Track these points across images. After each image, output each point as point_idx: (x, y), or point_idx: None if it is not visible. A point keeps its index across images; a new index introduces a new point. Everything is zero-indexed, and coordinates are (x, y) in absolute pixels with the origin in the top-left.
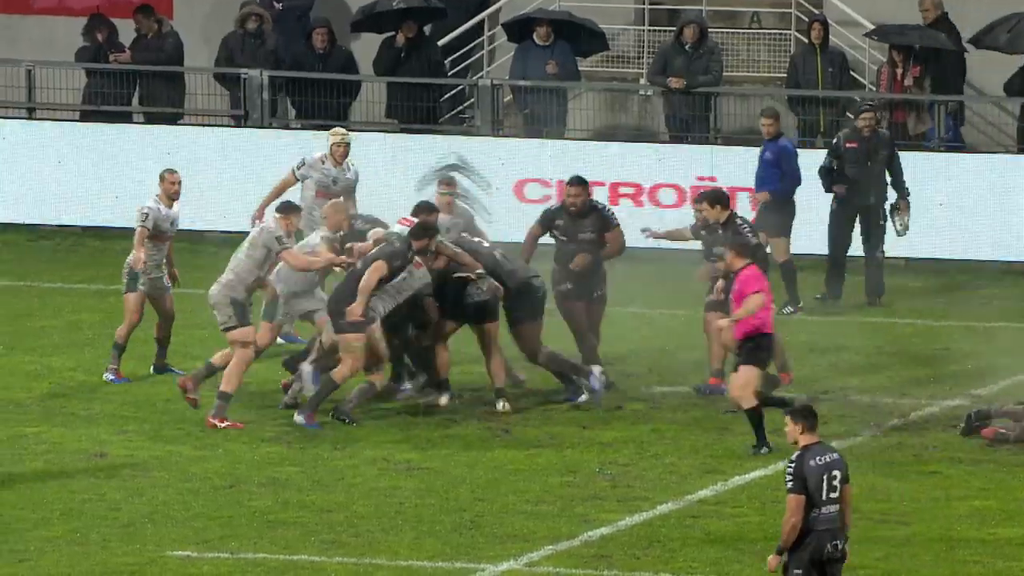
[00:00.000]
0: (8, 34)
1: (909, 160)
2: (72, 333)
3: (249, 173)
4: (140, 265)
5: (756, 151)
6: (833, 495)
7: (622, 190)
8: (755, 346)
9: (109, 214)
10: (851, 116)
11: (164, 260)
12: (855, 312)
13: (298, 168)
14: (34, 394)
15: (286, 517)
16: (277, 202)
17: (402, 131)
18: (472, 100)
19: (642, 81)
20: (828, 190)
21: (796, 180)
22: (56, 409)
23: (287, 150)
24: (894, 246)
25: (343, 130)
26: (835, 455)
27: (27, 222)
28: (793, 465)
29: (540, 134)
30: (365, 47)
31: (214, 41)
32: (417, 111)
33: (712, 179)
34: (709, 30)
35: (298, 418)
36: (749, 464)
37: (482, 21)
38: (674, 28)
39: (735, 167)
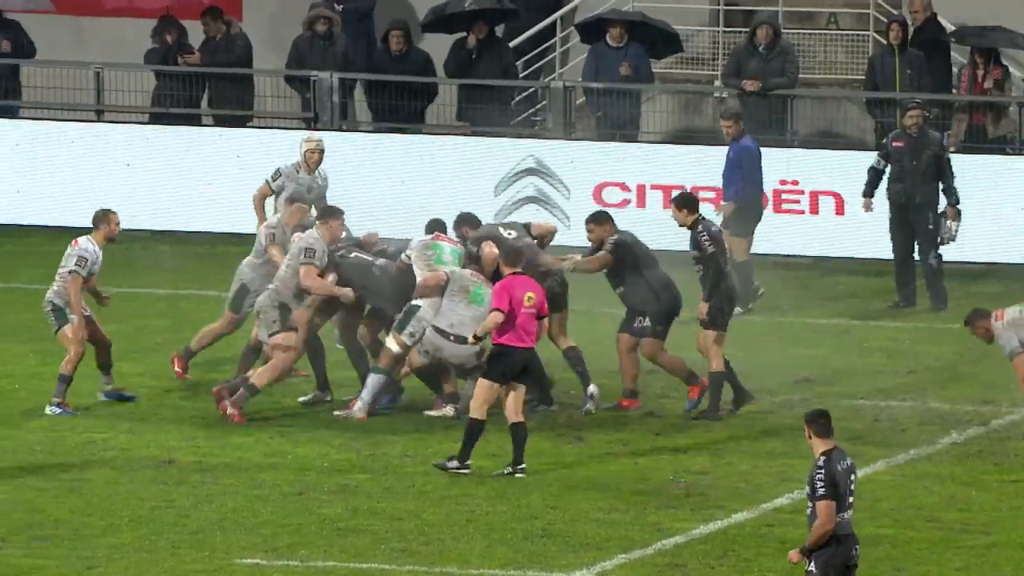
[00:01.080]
0: (78, 36)
1: (988, 163)
2: (140, 338)
3: None
4: (77, 312)
5: (837, 154)
6: (852, 500)
7: (702, 194)
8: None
9: (178, 218)
10: (931, 118)
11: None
12: (933, 318)
13: (273, 179)
14: (102, 399)
15: (356, 524)
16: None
17: (473, 134)
18: (544, 102)
19: (716, 83)
20: (865, 193)
21: (757, 182)
22: (124, 415)
23: (358, 153)
24: (974, 251)
25: (317, 136)
26: (851, 461)
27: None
28: (823, 470)
29: (613, 137)
30: (435, 49)
31: (282, 43)
32: (489, 114)
33: (794, 182)
34: (785, 31)
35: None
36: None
37: (555, 22)
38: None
39: (814, 170)
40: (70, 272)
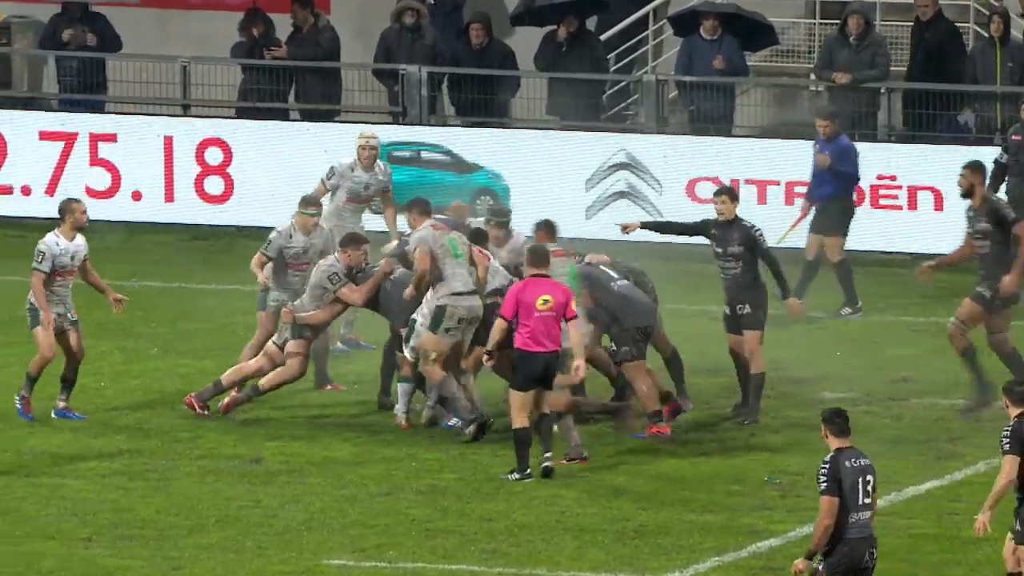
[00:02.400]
0: (164, 29)
1: None
2: (225, 336)
3: (411, 172)
4: (44, 309)
5: (936, 148)
6: (867, 500)
7: (798, 189)
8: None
9: (265, 214)
10: None
11: (69, 296)
12: None
13: (328, 178)
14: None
15: (445, 525)
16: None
17: (563, 128)
18: (636, 96)
19: (812, 76)
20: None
21: (854, 181)
22: (211, 414)
23: (446, 147)
24: None
25: (371, 132)
26: (867, 460)
27: (181, 222)
28: (827, 466)
29: (706, 131)
30: (524, 42)
31: (369, 36)
32: (579, 108)
33: (891, 177)
34: (883, 23)
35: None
36: (923, 474)
37: (647, 15)
38: None
39: (915, 164)
40: (33, 269)
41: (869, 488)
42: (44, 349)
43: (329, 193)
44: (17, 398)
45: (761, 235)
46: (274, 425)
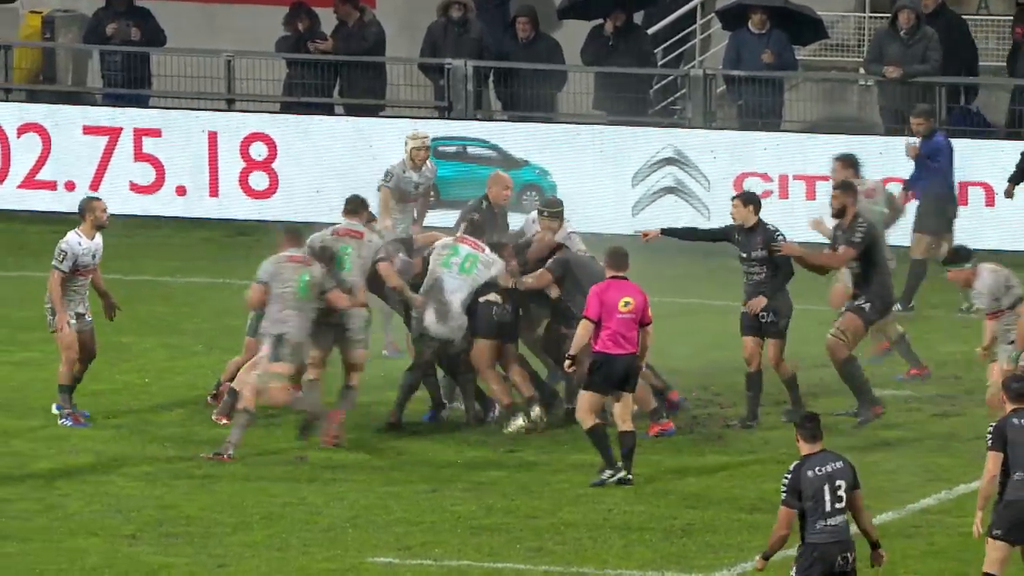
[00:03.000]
0: (209, 23)
1: None
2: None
3: (458, 169)
4: (60, 310)
5: (988, 143)
6: (839, 505)
7: None
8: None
9: (311, 209)
10: None
11: (87, 295)
12: None
13: (387, 180)
14: (53, 411)
15: (491, 523)
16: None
17: (610, 123)
18: (684, 91)
19: (862, 71)
20: (1011, 179)
21: (949, 179)
22: (256, 411)
23: (492, 143)
24: None
25: (424, 133)
26: (839, 463)
27: (226, 217)
28: (789, 476)
29: (755, 126)
30: (570, 36)
31: (414, 30)
32: (626, 102)
33: None
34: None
35: None
36: (974, 472)
37: (695, 8)
38: None
39: (964, 160)
40: (52, 268)
41: (840, 492)
42: (70, 350)
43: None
44: (62, 418)
45: (783, 239)
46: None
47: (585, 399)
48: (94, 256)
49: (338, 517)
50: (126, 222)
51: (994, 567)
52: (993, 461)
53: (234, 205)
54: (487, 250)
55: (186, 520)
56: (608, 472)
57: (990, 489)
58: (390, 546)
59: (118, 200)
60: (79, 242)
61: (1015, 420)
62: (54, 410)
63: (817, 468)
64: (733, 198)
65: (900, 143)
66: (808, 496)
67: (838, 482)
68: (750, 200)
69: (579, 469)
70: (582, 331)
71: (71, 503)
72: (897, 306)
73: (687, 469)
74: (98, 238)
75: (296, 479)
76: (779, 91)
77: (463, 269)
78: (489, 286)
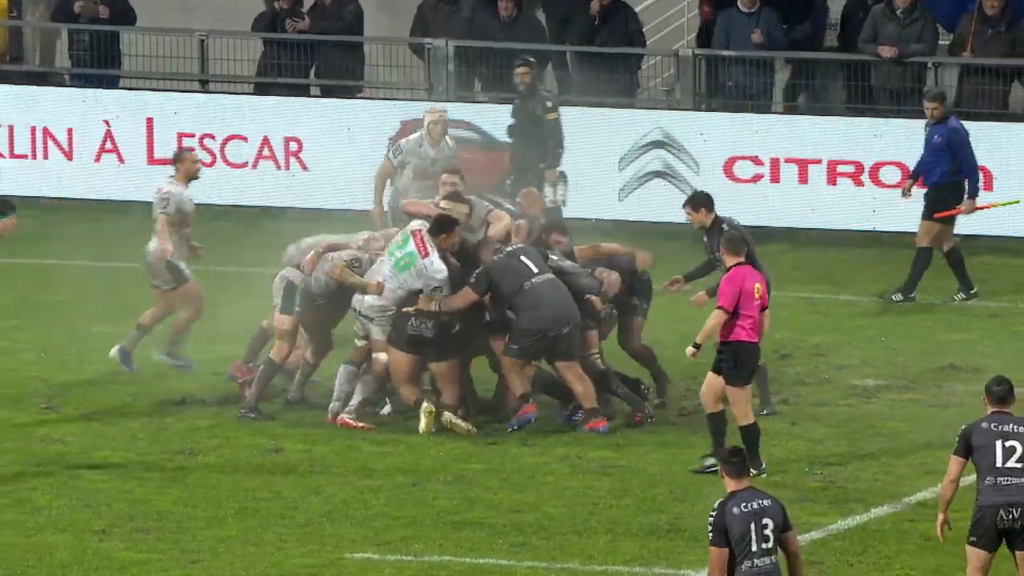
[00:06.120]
0: (183, 2)
1: None
2: (246, 321)
3: None
4: (169, 254)
5: (987, 125)
6: (767, 545)
7: (840, 168)
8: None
9: (286, 194)
10: None
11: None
12: None
13: (395, 155)
14: (205, 384)
15: (473, 517)
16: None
17: (596, 105)
18: (672, 71)
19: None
20: None
21: (970, 164)
22: (229, 401)
23: (475, 124)
24: None
25: (441, 107)
26: (767, 501)
27: (201, 202)
28: (714, 515)
29: (746, 108)
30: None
31: (393, 8)
32: (614, 83)
33: None
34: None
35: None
36: (971, 466)
37: None
38: None
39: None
40: (160, 213)
41: (767, 532)
42: (200, 299)
43: (397, 173)
44: (179, 366)
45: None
46: (295, 412)
47: (737, 395)
48: (186, 204)
49: (315, 511)
50: (95, 206)
51: (976, 575)
52: (954, 466)
53: (204, 190)
54: (434, 258)
55: (158, 515)
56: (713, 461)
57: (949, 492)
58: (369, 541)
59: (85, 182)
60: (180, 191)
61: (984, 424)
62: (166, 359)
63: (743, 505)
64: (683, 205)
65: (907, 125)
66: (735, 535)
67: (765, 520)
68: (699, 203)
69: (564, 462)
70: (714, 321)
71: (39, 497)
72: (898, 295)
73: (675, 460)
74: (189, 190)
75: (272, 472)
76: (770, 72)
77: (398, 265)
78: (415, 297)
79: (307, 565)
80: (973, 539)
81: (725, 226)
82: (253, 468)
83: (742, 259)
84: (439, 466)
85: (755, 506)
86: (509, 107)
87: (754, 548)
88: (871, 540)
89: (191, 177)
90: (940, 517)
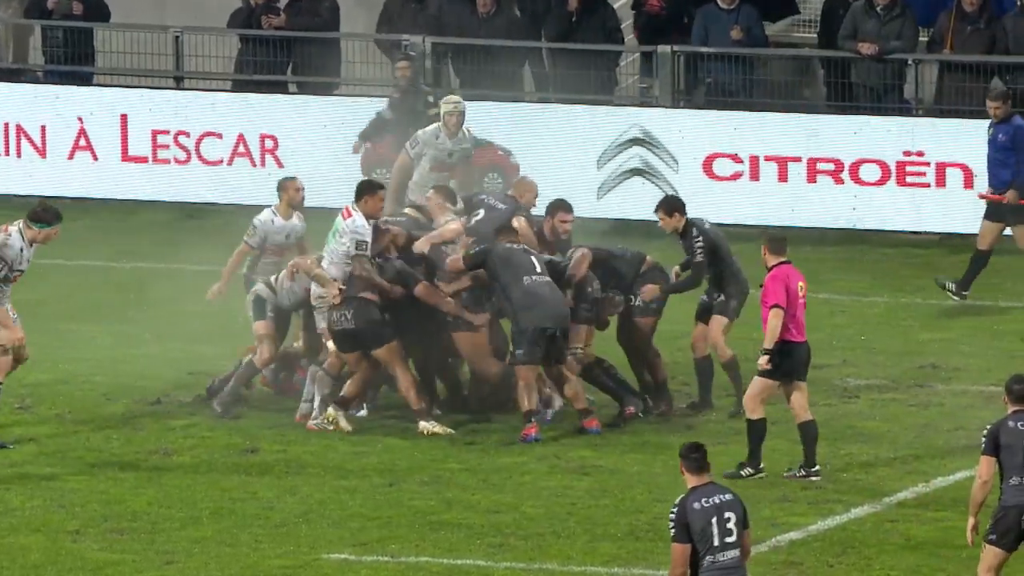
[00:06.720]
0: None
1: None
2: (222, 320)
3: None
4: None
5: (966, 123)
6: (729, 539)
7: (820, 166)
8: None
9: (262, 192)
10: None
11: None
12: None
13: (412, 147)
14: (182, 384)
15: (450, 518)
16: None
17: (575, 102)
18: (651, 68)
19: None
20: None
21: None
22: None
23: None
24: None
25: (456, 98)
26: (728, 496)
27: (176, 200)
28: (675, 511)
29: (725, 105)
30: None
31: (370, 4)
32: (591, 80)
33: (919, 153)
34: None
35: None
36: (953, 464)
37: None
38: None
39: (943, 141)
40: (243, 241)
41: (729, 526)
42: (270, 347)
43: (414, 165)
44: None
45: (700, 247)
46: (270, 412)
47: (760, 387)
48: (288, 236)
49: (291, 512)
50: (68, 204)
51: (989, 573)
52: (986, 466)
53: (182, 188)
54: (356, 216)
55: (132, 515)
56: (749, 470)
57: (981, 494)
58: (345, 542)
59: (59, 180)
60: (272, 220)
61: (1011, 423)
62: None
63: (704, 500)
64: (656, 210)
65: (888, 123)
66: (696, 530)
67: (727, 514)
68: (672, 207)
69: (542, 462)
70: (776, 320)
71: (12, 498)
72: (951, 284)
73: (654, 460)
74: (296, 218)
75: (247, 472)
76: (750, 69)
77: (330, 239)
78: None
79: (283, 566)
80: (993, 537)
81: (695, 230)
82: (229, 468)
83: (784, 258)
84: (416, 466)
85: (716, 501)
86: (492, 104)
87: (716, 543)
88: (851, 540)
89: (293, 206)
90: (971, 521)
